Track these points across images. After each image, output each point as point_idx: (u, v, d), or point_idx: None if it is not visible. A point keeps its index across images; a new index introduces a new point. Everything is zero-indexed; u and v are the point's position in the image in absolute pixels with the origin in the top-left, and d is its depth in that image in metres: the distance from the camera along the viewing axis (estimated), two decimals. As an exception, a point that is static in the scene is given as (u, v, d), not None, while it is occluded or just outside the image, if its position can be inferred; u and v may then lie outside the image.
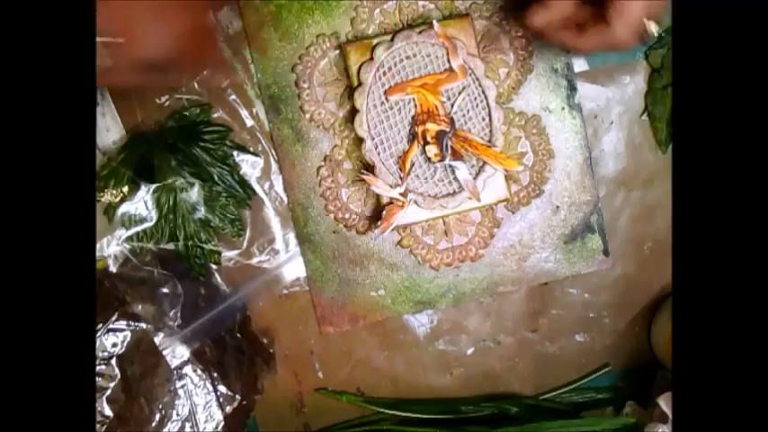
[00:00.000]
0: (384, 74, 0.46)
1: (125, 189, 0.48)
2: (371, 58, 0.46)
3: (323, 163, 0.50)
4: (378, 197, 0.48)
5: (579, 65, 0.50)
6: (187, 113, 0.49)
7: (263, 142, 0.50)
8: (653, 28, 0.39)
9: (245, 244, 0.51)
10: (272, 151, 0.50)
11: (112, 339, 0.46)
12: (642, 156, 0.51)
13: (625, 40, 0.39)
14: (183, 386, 0.47)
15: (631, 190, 0.52)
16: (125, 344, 0.46)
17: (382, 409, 0.52)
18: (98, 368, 0.45)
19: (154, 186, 0.48)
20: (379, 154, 0.47)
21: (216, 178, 0.49)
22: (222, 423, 0.48)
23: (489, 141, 0.47)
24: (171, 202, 0.48)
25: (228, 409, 0.48)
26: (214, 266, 0.51)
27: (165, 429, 0.46)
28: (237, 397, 0.48)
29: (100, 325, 0.46)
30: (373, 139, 0.46)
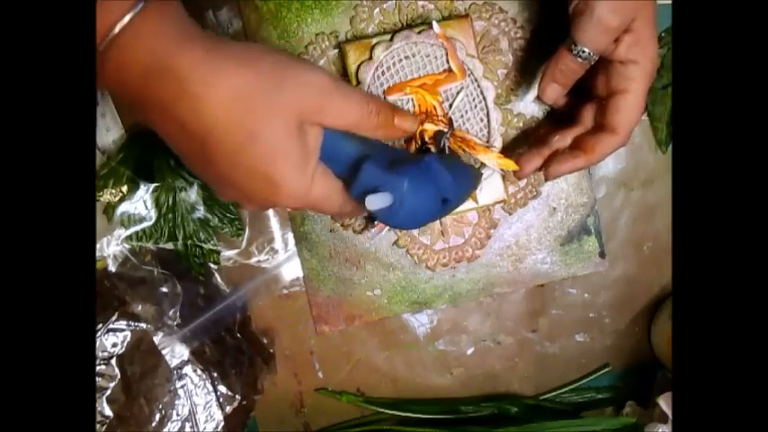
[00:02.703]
0: (383, 73, 0.46)
1: (124, 189, 0.48)
2: (370, 58, 0.46)
3: (321, 162, 0.50)
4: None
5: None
6: (187, 113, 0.49)
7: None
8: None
9: (244, 243, 0.51)
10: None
11: (112, 339, 0.46)
12: (642, 156, 0.51)
13: (629, 137, 0.41)
14: (183, 386, 0.47)
15: (631, 190, 0.52)
16: (125, 344, 0.46)
17: (382, 409, 0.52)
18: (98, 368, 0.45)
19: (153, 186, 0.48)
20: (378, 154, 0.47)
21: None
22: (222, 423, 0.48)
23: (487, 142, 0.47)
24: (170, 202, 0.48)
25: (228, 409, 0.48)
26: (213, 266, 0.51)
27: (165, 429, 0.46)
28: (237, 397, 0.48)
29: (100, 325, 0.46)
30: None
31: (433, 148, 0.45)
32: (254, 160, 0.33)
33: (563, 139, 0.44)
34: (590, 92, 0.43)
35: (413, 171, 0.36)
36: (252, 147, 0.33)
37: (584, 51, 0.39)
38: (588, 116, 0.43)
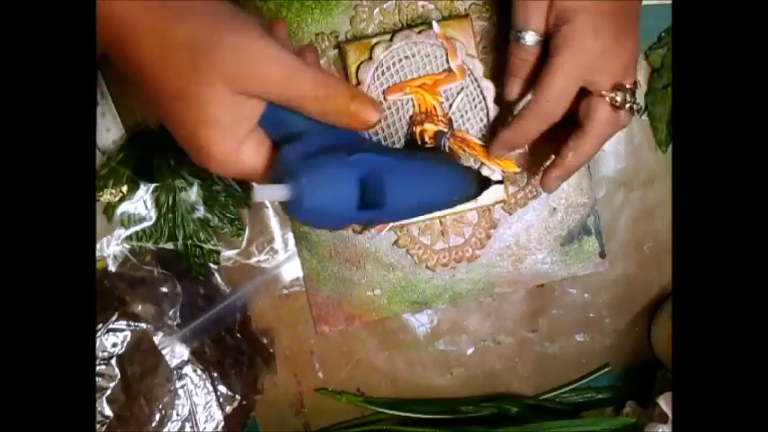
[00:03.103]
0: (383, 73, 0.46)
1: (124, 188, 0.48)
2: (370, 58, 0.46)
3: (321, 162, 0.50)
4: (376, 197, 0.48)
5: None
6: (187, 113, 0.49)
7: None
8: (619, 96, 0.39)
9: (244, 243, 0.51)
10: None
11: (112, 339, 0.46)
12: (642, 156, 0.51)
13: (598, 129, 0.40)
14: (183, 386, 0.47)
15: (631, 190, 0.52)
16: (125, 344, 0.46)
17: (382, 409, 0.52)
18: (98, 368, 0.45)
19: (153, 186, 0.48)
20: (377, 154, 0.47)
21: (215, 178, 0.49)
22: (222, 423, 0.48)
23: (487, 142, 0.47)
24: (170, 202, 0.48)
25: (228, 409, 0.48)
26: (213, 266, 0.50)
27: (165, 429, 0.46)
28: (237, 397, 0.48)
29: (100, 325, 0.46)
30: (371, 138, 0.46)
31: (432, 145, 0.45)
32: (180, 118, 0.32)
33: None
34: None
35: (333, 165, 0.32)
36: (178, 104, 0.31)
37: (519, 34, 0.40)
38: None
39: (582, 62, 0.38)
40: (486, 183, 0.42)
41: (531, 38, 0.40)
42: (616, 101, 0.39)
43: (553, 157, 0.43)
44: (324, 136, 0.33)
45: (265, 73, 0.31)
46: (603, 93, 0.39)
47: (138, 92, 0.34)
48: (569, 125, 0.41)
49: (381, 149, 0.36)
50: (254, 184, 0.32)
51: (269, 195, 0.31)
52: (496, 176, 0.47)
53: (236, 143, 0.32)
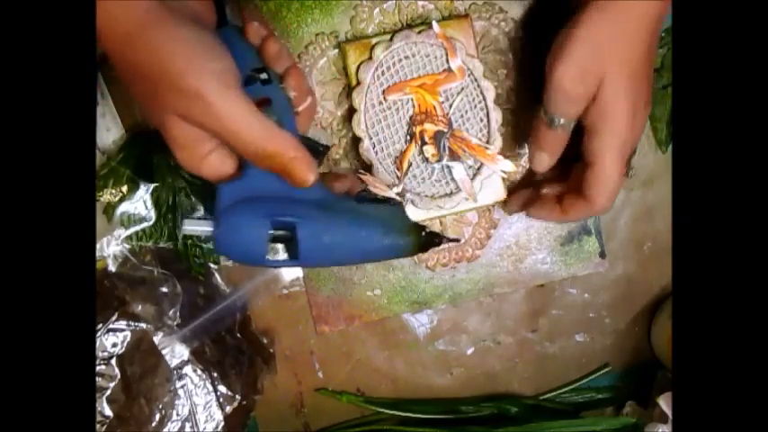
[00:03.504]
0: (383, 73, 0.46)
1: (124, 188, 0.48)
2: (370, 58, 0.46)
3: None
4: (375, 197, 0.48)
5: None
6: (186, 113, 0.49)
7: (263, 142, 0.50)
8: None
9: (243, 243, 0.51)
10: (272, 151, 0.50)
11: (112, 339, 0.46)
12: (642, 156, 0.51)
13: (607, 206, 0.40)
14: (183, 386, 0.47)
15: (631, 190, 0.52)
16: (125, 344, 0.46)
17: (382, 409, 0.52)
18: (98, 368, 0.45)
19: (153, 186, 0.48)
20: (376, 153, 0.47)
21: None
22: (222, 423, 0.48)
23: (487, 142, 0.47)
24: (170, 202, 0.48)
25: (228, 409, 0.48)
26: (213, 266, 0.50)
27: (165, 429, 0.46)
28: (237, 397, 0.48)
29: (100, 325, 0.46)
30: (371, 138, 0.46)
31: (432, 148, 0.45)
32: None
33: (551, 190, 0.44)
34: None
35: (247, 220, 0.35)
36: (147, 113, 0.35)
37: (552, 119, 0.39)
38: (576, 176, 0.42)
39: (623, 158, 0.38)
40: (433, 242, 0.40)
41: (568, 123, 0.39)
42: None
43: (555, 193, 0.44)
44: (264, 180, 0.35)
45: (215, 123, 0.32)
46: None
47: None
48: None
49: (313, 205, 0.36)
50: (185, 218, 0.37)
51: (196, 229, 0.36)
52: (496, 176, 0.47)
53: (197, 159, 0.35)
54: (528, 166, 0.48)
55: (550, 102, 0.38)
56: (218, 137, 0.33)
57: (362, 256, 0.39)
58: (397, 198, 0.46)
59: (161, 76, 0.31)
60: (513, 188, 0.48)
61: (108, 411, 0.45)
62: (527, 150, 0.50)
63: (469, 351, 0.53)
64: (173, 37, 0.32)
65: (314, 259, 0.38)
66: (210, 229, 0.35)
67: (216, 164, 0.35)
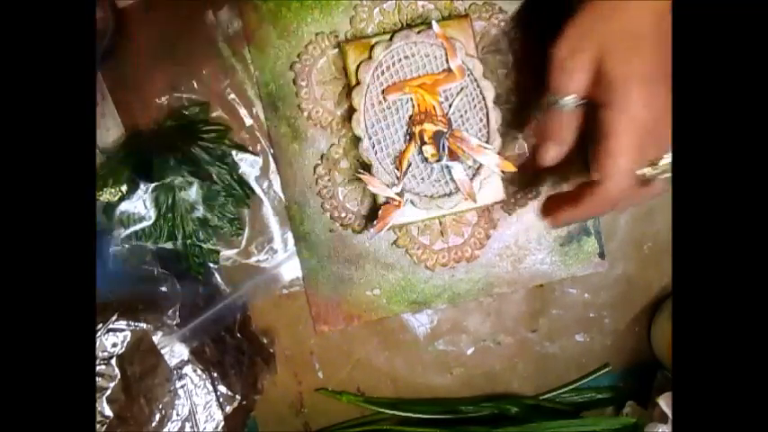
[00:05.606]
0: (382, 73, 0.46)
1: (124, 188, 0.48)
2: (370, 58, 0.46)
3: (320, 161, 0.50)
4: (374, 196, 0.48)
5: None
6: (186, 112, 0.49)
7: (262, 141, 0.50)
8: (650, 171, 0.37)
9: (243, 243, 0.51)
10: (271, 150, 0.50)
11: (112, 339, 0.46)
12: (642, 155, 0.51)
13: (616, 188, 0.37)
14: (183, 386, 0.47)
15: (631, 190, 0.52)
16: (125, 344, 0.46)
17: (382, 409, 0.52)
18: (98, 368, 0.45)
19: (152, 185, 0.48)
20: (376, 153, 0.47)
21: (215, 177, 0.49)
22: (222, 423, 0.48)
23: (486, 142, 0.47)
24: (170, 201, 0.48)
25: (228, 409, 0.48)
26: (213, 266, 0.51)
27: (165, 429, 0.46)
28: (237, 397, 0.48)
29: (100, 325, 0.46)
30: (370, 138, 0.46)
31: (431, 148, 0.45)
32: None
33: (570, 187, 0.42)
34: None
35: None
36: None
37: (555, 100, 0.38)
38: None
39: (638, 140, 0.36)
40: None
41: (570, 102, 0.37)
42: (644, 175, 0.37)
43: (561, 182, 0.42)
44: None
45: None
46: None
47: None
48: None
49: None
50: None
51: None
52: (496, 176, 0.47)
53: None
54: (527, 166, 0.48)
55: (551, 80, 0.38)
56: None
57: None
58: (397, 198, 0.46)
59: None
60: (549, 204, 0.42)
61: (108, 411, 0.45)
62: (527, 150, 0.50)
63: (469, 351, 0.53)
64: None
65: None
66: None
67: None
